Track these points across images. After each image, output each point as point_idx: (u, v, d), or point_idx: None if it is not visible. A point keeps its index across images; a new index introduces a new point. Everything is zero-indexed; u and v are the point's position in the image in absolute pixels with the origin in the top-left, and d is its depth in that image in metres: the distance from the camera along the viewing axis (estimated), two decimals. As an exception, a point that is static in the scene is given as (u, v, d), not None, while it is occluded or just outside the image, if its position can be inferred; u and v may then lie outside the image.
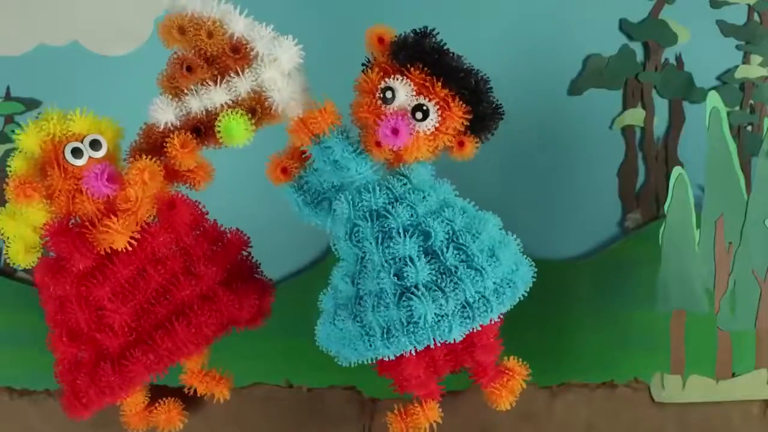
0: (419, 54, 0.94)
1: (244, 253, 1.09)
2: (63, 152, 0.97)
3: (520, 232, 1.34)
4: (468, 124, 0.95)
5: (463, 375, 1.26)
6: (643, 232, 1.34)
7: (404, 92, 0.93)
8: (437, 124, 0.94)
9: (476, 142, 0.97)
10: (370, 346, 0.95)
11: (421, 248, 0.95)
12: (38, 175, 0.98)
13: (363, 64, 0.97)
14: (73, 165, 0.97)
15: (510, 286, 0.98)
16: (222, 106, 0.98)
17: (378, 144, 0.94)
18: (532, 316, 1.31)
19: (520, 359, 1.08)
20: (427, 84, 0.94)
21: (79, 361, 1.03)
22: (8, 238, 1.00)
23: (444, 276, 0.94)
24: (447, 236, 0.96)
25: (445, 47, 0.96)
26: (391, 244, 0.94)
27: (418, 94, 0.94)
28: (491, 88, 0.96)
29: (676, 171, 1.19)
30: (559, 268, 1.34)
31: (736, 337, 1.25)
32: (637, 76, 1.33)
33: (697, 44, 1.33)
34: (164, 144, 0.99)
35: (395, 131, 0.93)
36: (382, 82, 0.94)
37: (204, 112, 0.99)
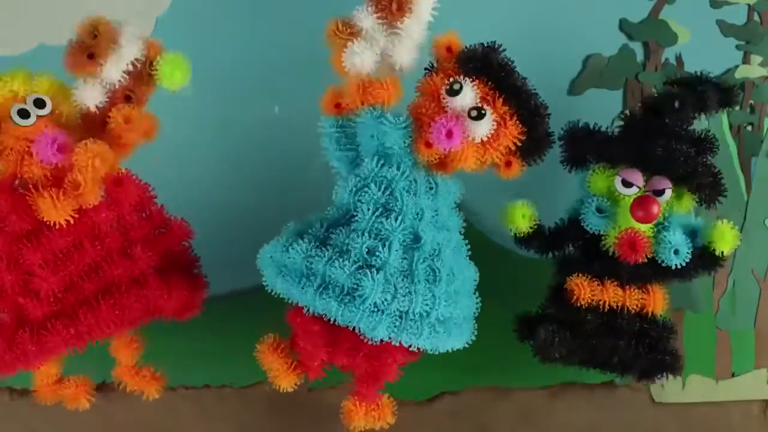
0: (486, 68, 0.94)
1: (185, 244, 1.07)
2: (25, 103, 0.95)
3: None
4: (519, 145, 0.95)
5: (461, 376, 1.27)
6: (643, 232, 1.33)
7: (470, 93, 0.93)
8: (490, 135, 0.94)
9: (522, 165, 0.97)
10: (302, 289, 0.94)
11: (404, 244, 0.95)
12: None
13: (426, 68, 0.97)
14: (19, 125, 0.95)
15: (446, 332, 0.97)
16: (135, 61, 0.97)
17: (428, 145, 0.94)
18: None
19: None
20: (488, 98, 0.94)
21: (0, 323, 1.00)
22: None
23: (405, 279, 0.94)
24: (431, 253, 0.96)
25: (512, 65, 0.96)
26: (384, 222, 0.94)
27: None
28: (549, 114, 0.96)
29: (676, 171, 1.19)
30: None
31: (735, 337, 1.26)
32: (637, 76, 1.33)
33: (697, 44, 1.33)
34: (106, 122, 0.98)
35: (449, 133, 0.92)
36: (452, 78, 0.94)
37: (125, 77, 0.97)
